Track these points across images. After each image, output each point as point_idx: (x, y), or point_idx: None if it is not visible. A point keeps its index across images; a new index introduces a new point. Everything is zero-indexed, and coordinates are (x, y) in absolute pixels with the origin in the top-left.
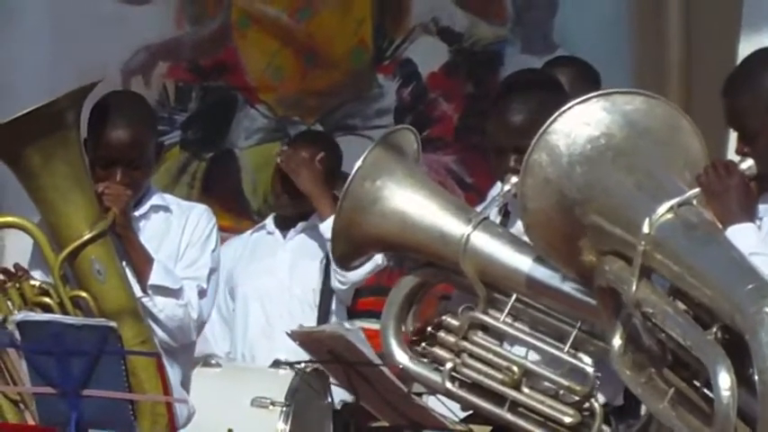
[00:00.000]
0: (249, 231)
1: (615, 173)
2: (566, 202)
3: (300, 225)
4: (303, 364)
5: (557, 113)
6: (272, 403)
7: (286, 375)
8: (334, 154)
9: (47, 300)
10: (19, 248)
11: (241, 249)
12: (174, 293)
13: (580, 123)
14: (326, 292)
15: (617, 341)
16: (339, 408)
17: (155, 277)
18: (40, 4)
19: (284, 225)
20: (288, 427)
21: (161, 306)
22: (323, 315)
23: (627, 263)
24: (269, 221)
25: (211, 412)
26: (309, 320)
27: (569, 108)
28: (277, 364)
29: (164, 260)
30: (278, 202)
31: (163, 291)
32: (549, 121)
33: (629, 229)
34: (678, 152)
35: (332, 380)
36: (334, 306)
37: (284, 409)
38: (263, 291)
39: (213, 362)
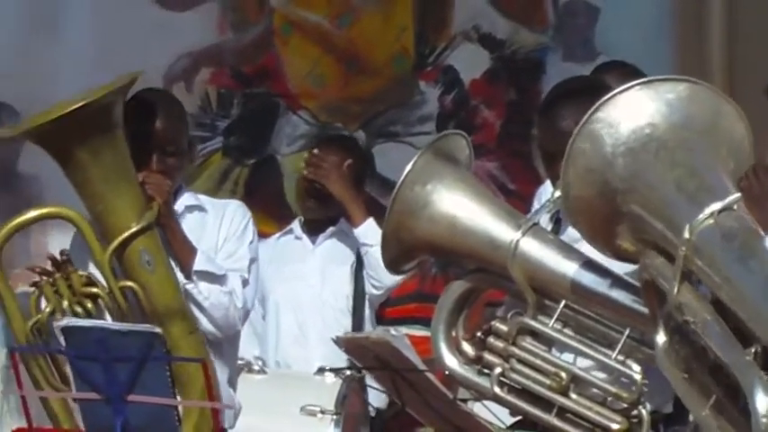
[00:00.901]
0: (276, 235)
1: (657, 167)
2: (607, 191)
3: (330, 230)
4: (350, 371)
5: (599, 102)
6: (322, 411)
7: (332, 383)
8: (362, 159)
9: (95, 290)
10: (61, 242)
11: (269, 253)
12: (219, 280)
13: (623, 112)
14: (359, 297)
15: (661, 337)
16: (373, 415)
17: (199, 263)
18: (83, 12)
19: (312, 230)
20: None
21: (206, 293)
22: (357, 321)
23: (667, 259)
24: (296, 226)
25: (258, 419)
26: (342, 327)
27: (612, 97)
28: (322, 370)
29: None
30: (304, 206)
31: (208, 277)
32: (591, 110)
33: (670, 227)
34: (722, 138)
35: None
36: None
37: (334, 417)
38: (294, 298)
39: (255, 368)
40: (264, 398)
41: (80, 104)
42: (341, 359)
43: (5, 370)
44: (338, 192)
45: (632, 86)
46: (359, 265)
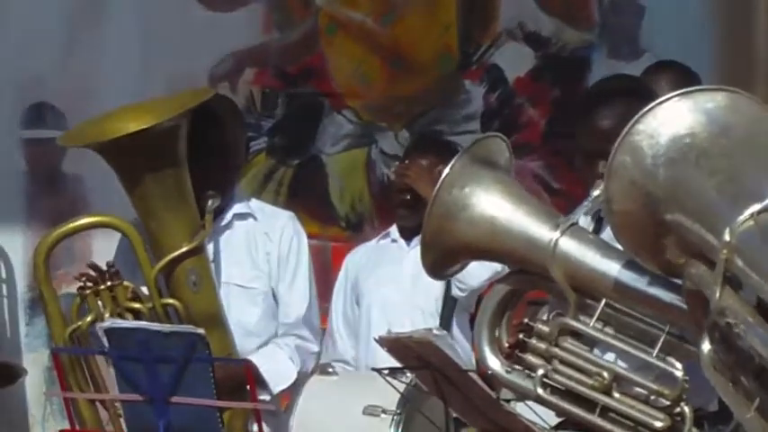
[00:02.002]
0: (376, 239)
1: (698, 175)
2: (651, 203)
3: None
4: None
5: (638, 114)
6: (384, 411)
7: (398, 384)
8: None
9: (138, 306)
10: (107, 252)
11: (366, 257)
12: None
13: (662, 124)
14: (449, 300)
15: (706, 345)
16: None
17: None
18: (127, 12)
19: (408, 233)
20: None
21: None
22: (444, 324)
23: (711, 267)
24: (393, 229)
25: (321, 420)
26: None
27: (651, 109)
28: (377, 371)
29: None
30: (397, 214)
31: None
32: (631, 123)
33: (712, 232)
34: (761, 144)
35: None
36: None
37: (395, 417)
38: (385, 300)
39: (330, 370)
40: (331, 399)
41: (151, 124)
42: None
43: (48, 371)
44: (429, 194)
45: (671, 97)
46: None
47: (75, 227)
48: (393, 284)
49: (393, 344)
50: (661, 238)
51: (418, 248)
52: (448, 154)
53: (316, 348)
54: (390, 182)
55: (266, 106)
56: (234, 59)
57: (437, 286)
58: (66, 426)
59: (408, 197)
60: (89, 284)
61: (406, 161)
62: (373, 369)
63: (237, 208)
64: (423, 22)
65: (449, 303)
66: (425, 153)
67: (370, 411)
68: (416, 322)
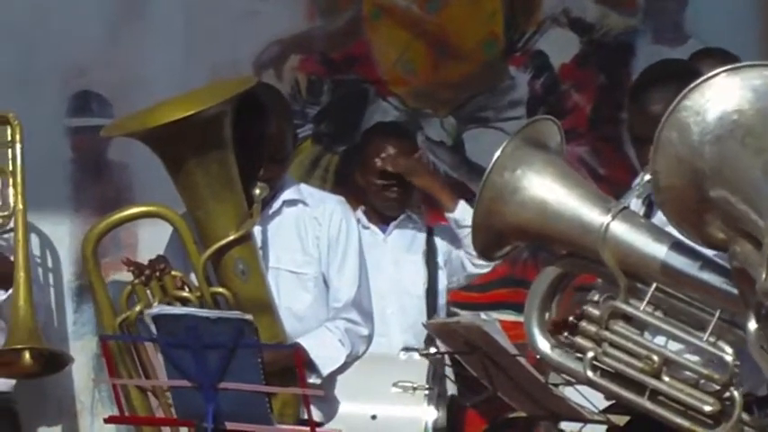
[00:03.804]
0: None
1: (745, 153)
2: (696, 179)
3: (400, 218)
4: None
5: (685, 91)
6: (415, 387)
7: (418, 360)
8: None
9: (186, 294)
10: (153, 240)
11: None
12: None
13: (709, 100)
14: (432, 285)
15: (752, 324)
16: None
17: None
18: (172, 0)
19: (379, 219)
20: (435, 409)
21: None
22: (431, 307)
23: (755, 244)
24: (361, 216)
25: (352, 399)
26: (422, 314)
27: (698, 85)
28: (407, 349)
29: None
30: (386, 204)
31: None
32: (677, 99)
33: (757, 213)
34: None
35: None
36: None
37: (427, 392)
38: (373, 289)
39: None
40: (356, 379)
41: (194, 111)
42: (421, 345)
43: (96, 359)
44: (426, 183)
45: (718, 74)
46: (430, 251)
47: (124, 217)
48: (376, 271)
49: (440, 329)
50: (705, 213)
51: (394, 235)
52: (406, 140)
53: (366, 332)
54: (380, 171)
55: (312, 93)
56: (279, 47)
57: (421, 270)
58: (115, 412)
59: (396, 187)
60: (138, 273)
61: (388, 151)
62: (404, 349)
63: (287, 194)
64: (468, 8)
65: (432, 288)
66: (398, 140)
67: (402, 386)
68: (406, 307)
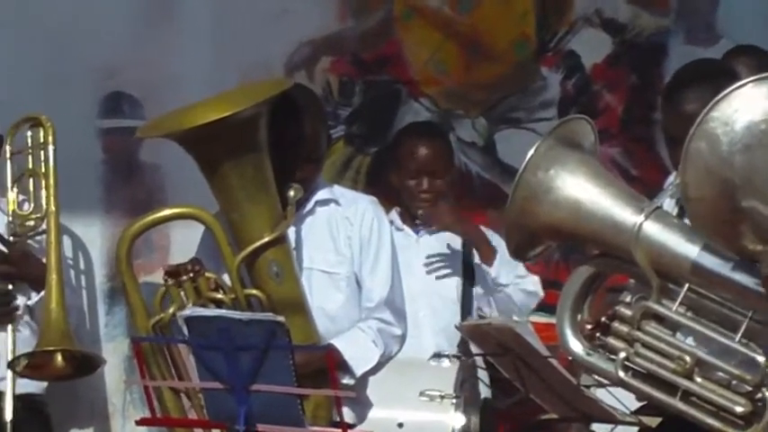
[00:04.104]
0: None
1: None
2: (727, 190)
3: None
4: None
5: (713, 101)
6: (442, 396)
7: (447, 367)
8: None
9: (220, 296)
10: (186, 242)
11: None
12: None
13: (737, 110)
14: (467, 286)
15: None
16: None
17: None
18: (202, 0)
19: (413, 221)
20: (463, 417)
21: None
22: (465, 312)
23: None
24: (394, 217)
25: (379, 406)
26: (454, 316)
27: (726, 95)
28: (438, 356)
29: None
30: (419, 206)
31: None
32: (705, 110)
33: None
34: None
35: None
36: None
37: (454, 400)
38: (405, 290)
39: None
40: (383, 385)
41: (231, 113)
42: (453, 349)
43: (128, 361)
44: (468, 232)
45: (745, 84)
46: (467, 256)
47: (158, 218)
48: (408, 274)
49: (473, 331)
50: (737, 224)
51: (428, 237)
52: (439, 139)
53: (399, 332)
54: (414, 171)
55: (343, 94)
56: (310, 48)
57: (455, 274)
58: (147, 414)
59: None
60: (172, 276)
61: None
62: (435, 354)
63: (320, 194)
64: (499, 8)
65: (468, 289)
66: (429, 140)
67: (428, 395)
68: (438, 310)
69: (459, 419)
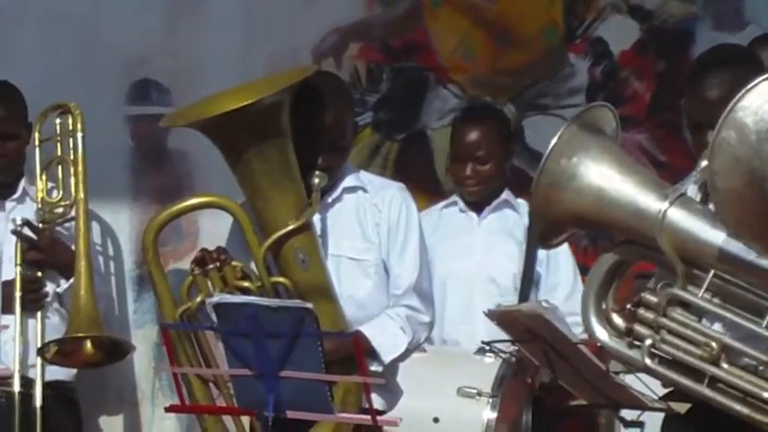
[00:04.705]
0: (439, 206)
1: None
2: (756, 180)
3: (495, 203)
4: (507, 350)
5: (743, 91)
6: (479, 394)
7: (491, 362)
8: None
9: (247, 284)
10: (215, 229)
11: (432, 226)
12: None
13: (767, 99)
14: (528, 274)
15: None
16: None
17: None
18: None
19: (473, 204)
20: (495, 416)
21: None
22: (523, 297)
23: None
24: (458, 199)
25: (416, 398)
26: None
27: (755, 85)
28: (482, 351)
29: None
30: (468, 192)
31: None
32: (735, 99)
33: None
34: None
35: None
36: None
37: (491, 400)
38: (461, 274)
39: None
40: (422, 376)
41: (252, 101)
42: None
43: (157, 348)
44: None
45: None
46: (530, 237)
47: (184, 207)
48: (466, 257)
49: (502, 317)
50: (765, 215)
51: (489, 219)
52: (493, 121)
53: (427, 318)
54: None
55: (371, 81)
56: (338, 35)
57: (513, 259)
58: (176, 401)
59: (475, 182)
60: (200, 264)
61: (471, 137)
62: (483, 342)
63: (348, 181)
64: None
65: (527, 277)
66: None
67: (465, 393)
68: (494, 297)
69: (489, 417)
